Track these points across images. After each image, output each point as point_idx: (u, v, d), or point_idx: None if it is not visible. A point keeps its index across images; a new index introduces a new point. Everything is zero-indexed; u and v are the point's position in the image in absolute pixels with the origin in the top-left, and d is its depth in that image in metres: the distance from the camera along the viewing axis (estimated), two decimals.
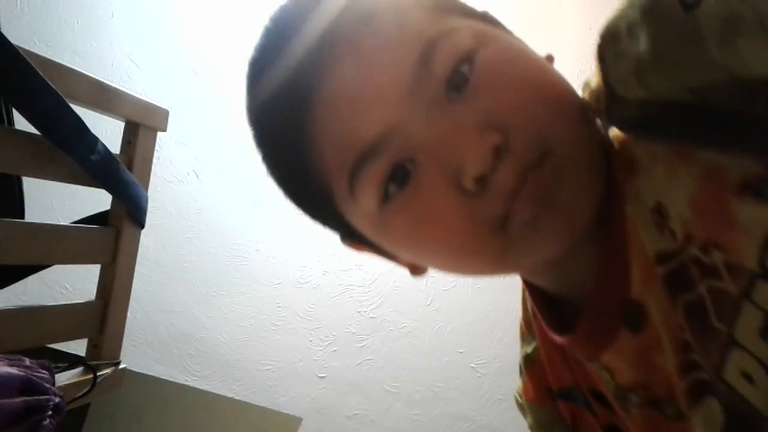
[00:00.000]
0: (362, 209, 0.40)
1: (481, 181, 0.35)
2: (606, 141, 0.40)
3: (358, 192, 0.39)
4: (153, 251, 1.63)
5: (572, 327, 0.43)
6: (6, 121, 0.90)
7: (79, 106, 0.87)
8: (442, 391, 1.55)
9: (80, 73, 0.87)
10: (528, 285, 0.49)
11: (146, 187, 1.03)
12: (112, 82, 0.93)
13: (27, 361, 0.72)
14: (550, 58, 0.43)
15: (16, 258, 0.82)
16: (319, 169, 0.40)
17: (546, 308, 0.47)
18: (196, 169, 1.72)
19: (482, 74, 0.37)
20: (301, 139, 0.39)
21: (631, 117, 0.34)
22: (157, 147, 1.06)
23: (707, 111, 0.30)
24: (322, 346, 1.62)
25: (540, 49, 0.42)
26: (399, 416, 1.55)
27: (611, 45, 0.33)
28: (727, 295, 0.32)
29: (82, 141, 0.85)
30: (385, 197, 0.38)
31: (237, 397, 1.59)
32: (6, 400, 0.65)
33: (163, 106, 1.05)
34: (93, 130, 0.87)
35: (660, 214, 0.35)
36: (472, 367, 1.55)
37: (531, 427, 0.56)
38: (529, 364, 0.55)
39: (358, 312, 1.63)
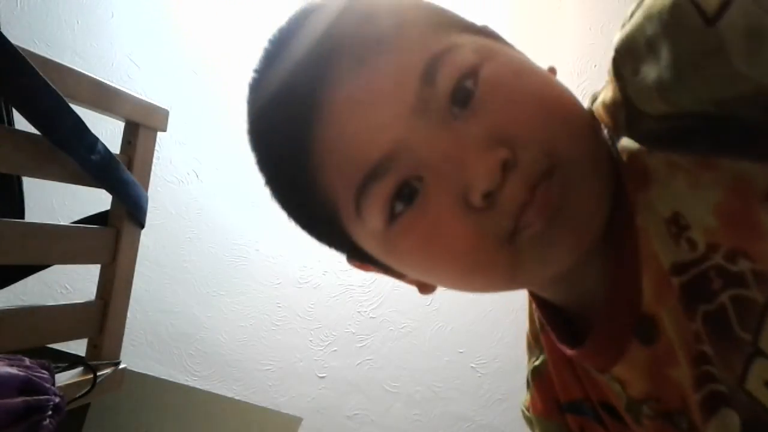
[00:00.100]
0: (369, 228, 0.39)
1: (490, 196, 0.34)
2: (613, 152, 0.40)
3: (364, 211, 0.38)
4: (153, 251, 1.63)
5: (582, 339, 0.42)
6: (6, 121, 0.90)
7: (79, 106, 0.87)
8: (442, 391, 1.55)
9: (80, 73, 0.87)
10: (535, 298, 0.49)
11: (146, 187, 1.03)
12: (112, 82, 0.94)
13: (27, 361, 0.72)
14: (552, 71, 0.42)
15: (16, 258, 0.82)
16: (325, 190, 0.39)
17: (555, 321, 0.47)
18: (196, 169, 1.72)
19: (487, 88, 0.36)
20: (304, 161, 0.39)
21: (652, 130, 0.34)
22: (157, 147, 1.06)
23: (732, 121, 0.30)
24: (322, 346, 1.62)
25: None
26: (399, 416, 1.55)
27: (629, 59, 0.32)
28: (753, 303, 0.32)
29: (82, 141, 0.85)
30: (392, 216, 0.37)
31: (237, 397, 1.59)
32: (6, 400, 0.65)
33: (163, 106, 1.05)
34: (93, 130, 0.87)
35: (677, 224, 0.35)
36: (472, 367, 1.55)
37: None
38: (536, 376, 0.54)
39: (358, 312, 1.63)
